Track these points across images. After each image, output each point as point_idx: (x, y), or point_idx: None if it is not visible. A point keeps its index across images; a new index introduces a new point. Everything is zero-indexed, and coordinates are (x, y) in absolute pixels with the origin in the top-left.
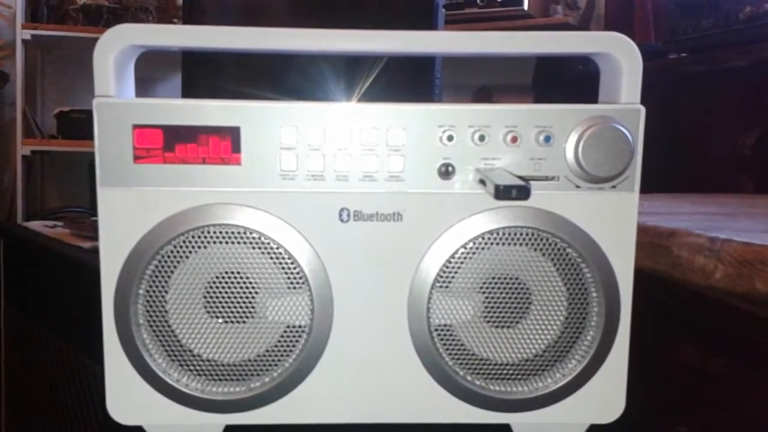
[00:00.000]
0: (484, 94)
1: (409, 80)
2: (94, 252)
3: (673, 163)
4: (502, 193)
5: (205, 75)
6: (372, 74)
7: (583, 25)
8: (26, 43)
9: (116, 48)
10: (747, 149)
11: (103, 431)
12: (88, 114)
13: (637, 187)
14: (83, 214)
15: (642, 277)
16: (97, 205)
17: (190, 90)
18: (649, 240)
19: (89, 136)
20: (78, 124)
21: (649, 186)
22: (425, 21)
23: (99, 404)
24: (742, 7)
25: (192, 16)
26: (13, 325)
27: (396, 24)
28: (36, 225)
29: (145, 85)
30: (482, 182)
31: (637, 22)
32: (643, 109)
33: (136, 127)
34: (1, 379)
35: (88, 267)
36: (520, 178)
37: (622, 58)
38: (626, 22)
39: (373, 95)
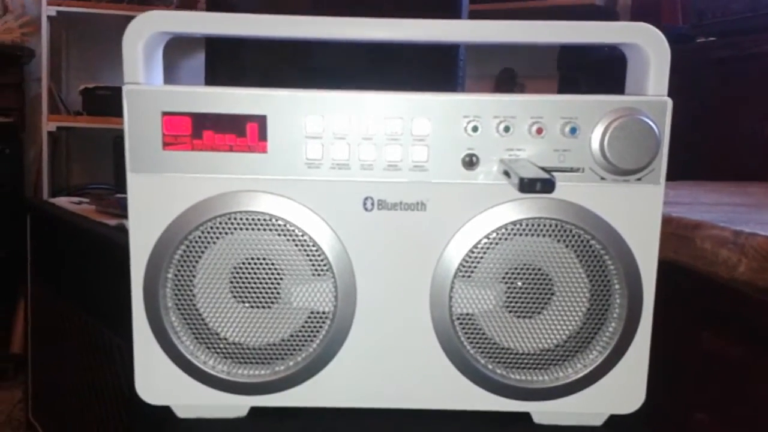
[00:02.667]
0: (507, 76)
1: (433, 68)
2: (120, 230)
3: (698, 147)
4: (527, 186)
5: (229, 60)
6: (395, 62)
7: (610, 5)
8: (51, 20)
9: (145, 35)
10: None
11: (130, 407)
12: (113, 91)
13: (662, 180)
14: (108, 190)
15: (663, 264)
16: (121, 182)
17: (213, 74)
18: (672, 231)
19: (114, 112)
20: (103, 101)
21: (674, 171)
22: (450, 8)
23: (125, 380)
24: None
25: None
26: (41, 300)
27: (420, 11)
28: (62, 201)
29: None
30: (506, 174)
31: (664, 4)
32: (670, 102)
33: (165, 114)
34: (28, 350)
35: (114, 244)
36: (545, 169)
37: (649, 49)
38: (653, 4)
39: (396, 83)
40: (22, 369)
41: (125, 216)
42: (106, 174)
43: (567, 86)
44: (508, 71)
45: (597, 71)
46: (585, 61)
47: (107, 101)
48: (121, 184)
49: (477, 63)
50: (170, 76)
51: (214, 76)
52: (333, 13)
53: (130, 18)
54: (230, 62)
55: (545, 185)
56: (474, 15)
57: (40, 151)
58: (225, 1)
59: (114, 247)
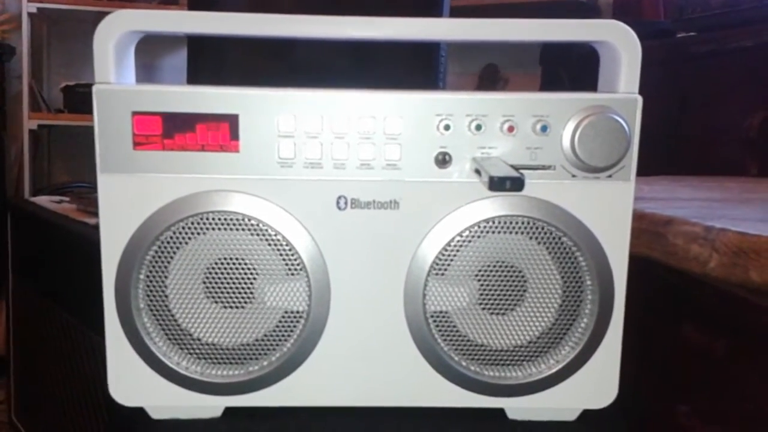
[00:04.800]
0: (490, 71)
1: (415, 63)
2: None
3: (678, 142)
4: (496, 184)
5: (211, 55)
6: (378, 58)
7: (592, 1)
8: (32, 17)
9: (116, 34)
10: (752, 131)
11: (108, 408)
12: None
13: (632, 176)
14: (90, 189)
15: (639, 260)
16: None
17: (195, 70)
18: (645, 227)
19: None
20: (84, 99)
21: (653, 166)
22: (431, 6)
23: (105, 378)
24: None
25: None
26: (22, 299)
27: (402, 8)
28: (43, 200)
29: (149, 59)
30: (477, 172)
31: (645, 0)
32: (640, 99)
33: (135, 114)
34: (10, 351)
35: (93, 243)
36: (516, 167)
37: (621, 46)
38: (635, 0)
39: (376, 80)
40: (4, 370)
41: None
42: (87, 172)
43: (549, 81)
44: (491, 67)
45: (579, 66)
46: (567, 56)
47: (88, 98)
48: None
49: (460, 59)
50: (154, 73)
51: (197, 72)
52: (316, 10)
53: None
54: (212, 57)
55: (514, 184)
56: (456, 11)
57: (21, 149)
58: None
59: (94, 247)
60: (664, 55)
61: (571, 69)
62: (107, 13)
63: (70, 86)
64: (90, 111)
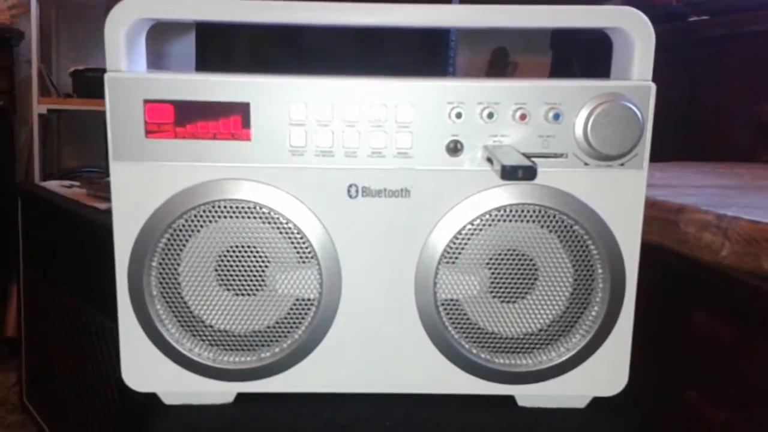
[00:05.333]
0: (501, 54)
1: (424, 49)
2: (110, 213)
3: (690, 126)
4: (509, 173)
5: (219, 38)
6: (387, 42)
7: None
8: (40, 1)
9: (127, 22)
10: (764, 116)
11: (120, 393)
12: (103, 73)
13: (645, 164)
14: (100, 174)
15: (651, 247)
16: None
17: (203, 53)
18: (657, 215)
19: (104, 95)
20: (93, 83)
21: (665, 150)
22: None
23: (116, 363)
24: None
25: None
26: (33, 283)
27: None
28: (53, 185)
29: (157, 42)
30: (489, 161)
31: None
32: (653, 87)
33: (147, 102)
34: (21, 335)
35: (105, 228)
36: (528, 155)
37: (634, 33)
38: None
39: (385, 65)
40: (15, 352)
41: None
42: (97, 156)
43: (559, 65)
44: (501, 50)
45: (589, 50)
46: (577, 40)
47: (97, 83)
48: None
49: (470, 42)
50: (162, 58)
51: (205, 55)
52: None
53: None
54: (221, 41)
55: (527, 172)
56: None
57: (31, 133)
58: None
59: (104, 232)
60: (675, 39)
61: (582, 53)
62: None
63: (79, 71)
64: (99, 95)
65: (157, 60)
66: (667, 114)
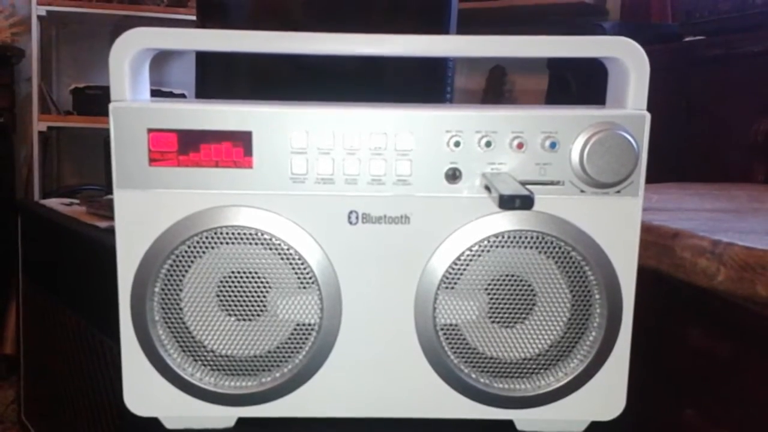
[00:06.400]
0: (498, 73)
1: (421, 76)
2: (110, 232)
3: (685, 146)
4: (506, 202)
5: (221, 56)
6: (384, 69)
7: (600, 3)
8: (41, 19)
9: (131, 52)
10: (759, 136)
11: (120, 415)
12: (104, 90)
13: (641, 192)
14: (99, 191)
15: (648, 271)
16: (112, 183)
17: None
18: (653, 240)
19: (104, 112)
20: (93, 101)
21: (661, 170)
22: (438, 14)
23: (116, 382)
24: None
25: (205, 13)
26: (33, 301)
27: (408, 14)
28: (53, 203)
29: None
30: (487, 189)
31: (653, 3)
32: (648, 116)
33: (151, 131)
34: (19, 352)
35: (104, 247)
36: (526, 183)
37: (629, 63)
38: (643, 3)
39: (384, 89)
40: (14, 369)
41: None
42: (97, 174)
43: (556, 85)
44: (499, 69)
45: (586, 70)
46: (575, 59)
47: (97, 101)
48: (112, 186)
49: (468, 61)
50: (164, 68)
51: (205, 72)
52: (323, 12)
53: (120, 17)
54: (221, 64)
55: (524, 202)
56: (463, 14)
57: (31, 151)
58: (214, 9)
59: (104, 250)
60: (671, 58)
61: (579, 73)
62: (116, 16)
63: (80, 88)
64: (99, 113)
65: (157, 73)
66: (662, 133)
